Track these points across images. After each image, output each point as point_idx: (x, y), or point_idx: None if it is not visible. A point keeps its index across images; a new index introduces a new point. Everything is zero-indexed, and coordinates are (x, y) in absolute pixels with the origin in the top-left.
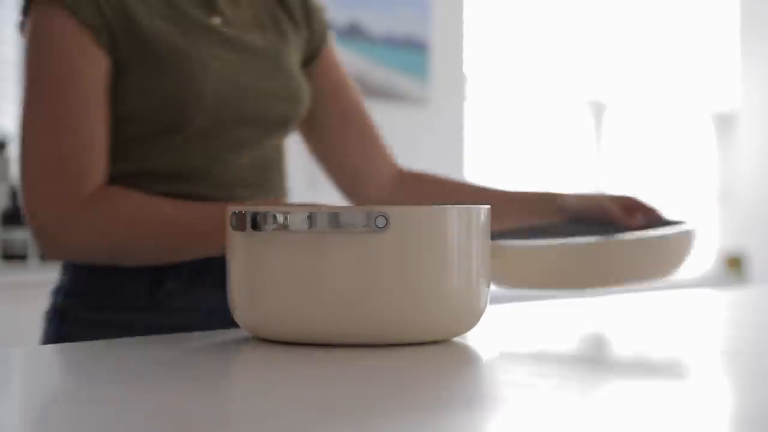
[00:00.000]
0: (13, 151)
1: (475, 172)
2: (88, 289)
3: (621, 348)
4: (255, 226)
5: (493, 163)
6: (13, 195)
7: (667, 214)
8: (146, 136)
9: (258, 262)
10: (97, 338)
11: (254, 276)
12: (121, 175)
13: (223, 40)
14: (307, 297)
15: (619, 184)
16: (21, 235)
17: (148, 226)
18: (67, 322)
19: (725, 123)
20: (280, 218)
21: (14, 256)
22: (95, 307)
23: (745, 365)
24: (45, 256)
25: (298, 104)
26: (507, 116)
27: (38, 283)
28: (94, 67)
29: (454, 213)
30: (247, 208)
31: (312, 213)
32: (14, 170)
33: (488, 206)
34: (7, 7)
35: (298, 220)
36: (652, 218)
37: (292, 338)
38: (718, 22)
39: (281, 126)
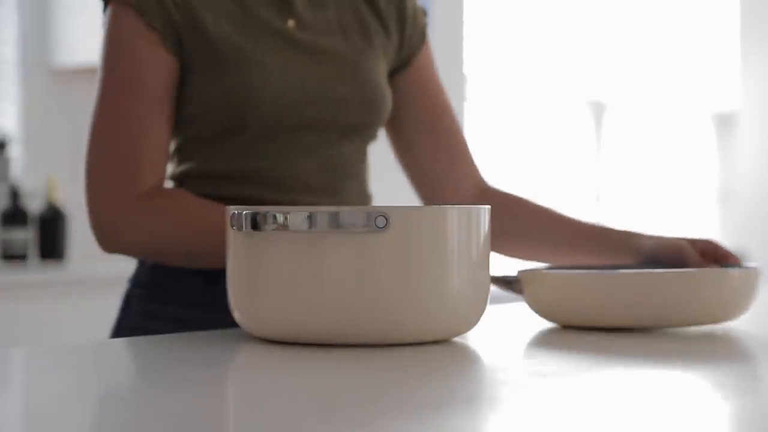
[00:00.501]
0: (14, 151)
1: None
2: (149, 282)
3: (621, 347)
4: (255, 226)
5: (493, 163)
6: (13, 195)
7: (746, 260)
8: (209, 136)
9: (258, 262)
10: (153, 330)
11: (254, 276)
12: (185, 176)
13: (294, 44)
14: (307, 297)
15: (619, 184)
16: (21, 235)
17: (193, 230)
18: (129, 312)
19: (725, 123)
20: (280, 218)
21: (14, 256)
22: (154, 299)
23: (745, 365)
24: (102, 251)
25: (373, 110)
26: (507, 116)
27: (38, 283)
28: (159, 68)
29: (454, 213)
30: (247, 208)
31: (312, 213)
32: (14, 170)
33: (488, 206)
34: (7, 7)
35: (298, 220)
36: (730, 264)
37: (292, 338)
38: (718, 22)
39: (355, 132)
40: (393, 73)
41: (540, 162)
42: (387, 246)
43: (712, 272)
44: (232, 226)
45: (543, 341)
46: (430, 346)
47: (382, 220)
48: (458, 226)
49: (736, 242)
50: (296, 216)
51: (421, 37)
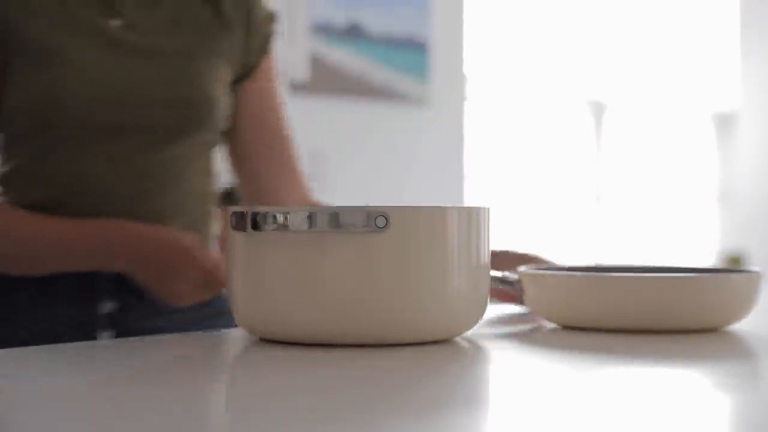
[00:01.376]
0: None
1: (475, 173)
2: None
3: (621, 347)
4: (255, 226)
5: (493, 164)
6: None
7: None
8: (21, 136)
9: (258, 262)
10: None
11: (254, 276)
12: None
13: (114, 44)
14: (307, 297)
15: (619, 184)
16: None
17: (6, 241)
18: None
19: (725, 123)
20: (280, 218)
21: None
22: None
23: (745, 363)
24: None
25: (192, 114)
26: (507, 116)
27: None
28: None
29: (454, 213)
30: (247, 208)
31: (312, 213)
32: None
33: (488, 207)
34: None
35: (298, 220)
36: (734, 270)
37: (292, 338)
38: (718, 22)
39: (175, 136)
40: (238, 80)
41: (540, 162)
42: (387, 246)
43: (713, 276)
44: (233, 226)
45: (543, 341)
46: (430, 346)
47: (382, 220)
48: (458, 226)
49: (736, 242)
50: (296, 216)
51: (263, 47)
